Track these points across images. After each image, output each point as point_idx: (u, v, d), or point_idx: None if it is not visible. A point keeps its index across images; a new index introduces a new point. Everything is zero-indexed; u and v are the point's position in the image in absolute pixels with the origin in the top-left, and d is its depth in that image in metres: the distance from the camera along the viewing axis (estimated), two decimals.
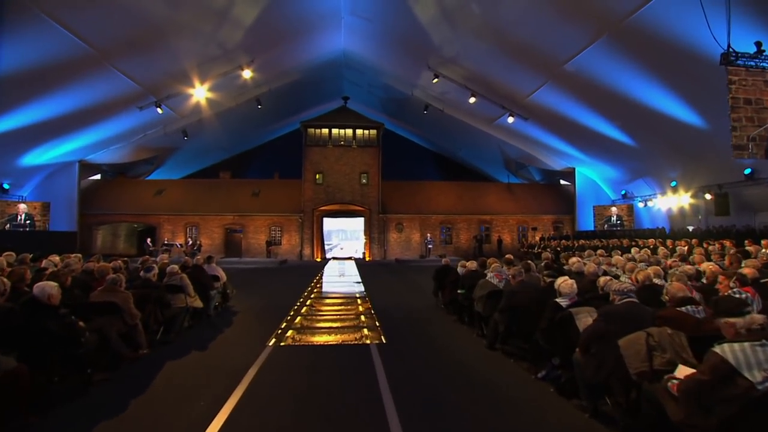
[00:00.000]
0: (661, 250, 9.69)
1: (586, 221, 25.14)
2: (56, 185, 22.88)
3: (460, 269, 7.91)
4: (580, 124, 19.94)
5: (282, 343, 6.29)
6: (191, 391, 4.27)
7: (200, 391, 4.23)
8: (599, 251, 9.35)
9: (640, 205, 22.66)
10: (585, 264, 6.31)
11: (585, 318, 4.06)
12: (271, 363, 5.22)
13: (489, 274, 6.31)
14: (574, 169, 25.01)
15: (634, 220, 22.87)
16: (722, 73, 13.43)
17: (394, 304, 9.72)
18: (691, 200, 19.93)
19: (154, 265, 5.96)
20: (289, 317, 8.21)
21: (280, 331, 7.04)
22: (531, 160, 26.34)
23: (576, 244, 18.62)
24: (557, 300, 4.36)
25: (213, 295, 7.92)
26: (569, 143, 22.41)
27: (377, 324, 7.58)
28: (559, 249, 19.03)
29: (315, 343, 6.44)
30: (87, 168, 24.13)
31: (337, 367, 5.17)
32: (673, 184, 20.36)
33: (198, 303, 6.72)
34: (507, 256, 8.81)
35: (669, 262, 6.87)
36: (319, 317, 8.52)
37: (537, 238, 24.63)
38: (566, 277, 4.46)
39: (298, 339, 6.85)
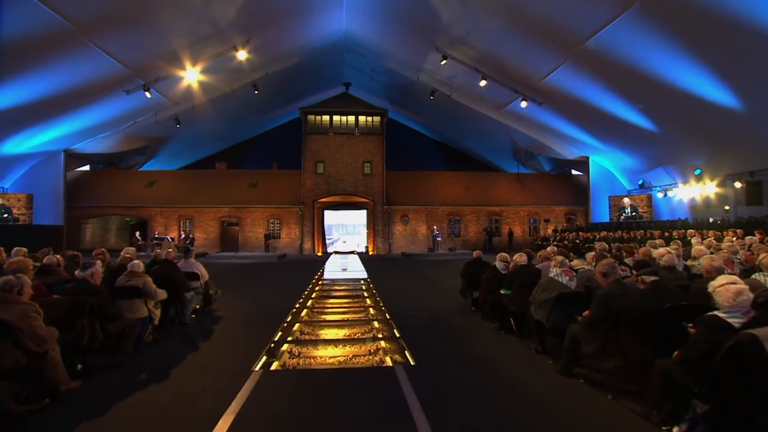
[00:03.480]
0: (727, 240, 7.95)
1: (601, 213, 23.43)
2: (41, 176, 21.01)
3: (499, 263, 6.15)
4: (598, 108, 18.20)
5: (274, 366, 4.53)
6: None
7: None
8: (658, 241, 7.59)
9: (659, 195, 20.93)
10: (679, 257, 4.57)
11: None
12: (253, 407, 3.44)
13: (554, 271, 4.55)
14: (587, 158, 23.25)
15: (653, 211, 21.12)
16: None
17: (412, 305, 7.96)
18: (718, 189, 18.22)
19: (96, 262, 4.17)
20: (285, 324, 6.45)
21: (273, 345, 5.28)
22: (542, 149, 24.53)
23: (597, 236, 16.87)
24: (719, 314, 2.61)
25: (190, 298, 6.15)
26: (584, 130, 20.65)
27: (397, 334, 5.82)
28: (578, 242, 17.30)
29: (318, 364, 4.68)
30: (74, 158, 22.23)
31: (352, 412, 3.42)
32: (698, 172, 18.62)
33: (156, 313, 4.93)
34: (549, 247, 7.07)
35: None
36: (322, 323, 6.77)
37: (550, 231, 22.90)
38: (732, 278, 2.68)
39: (296, 354, 5.12)
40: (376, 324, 6.62)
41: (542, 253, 5.80)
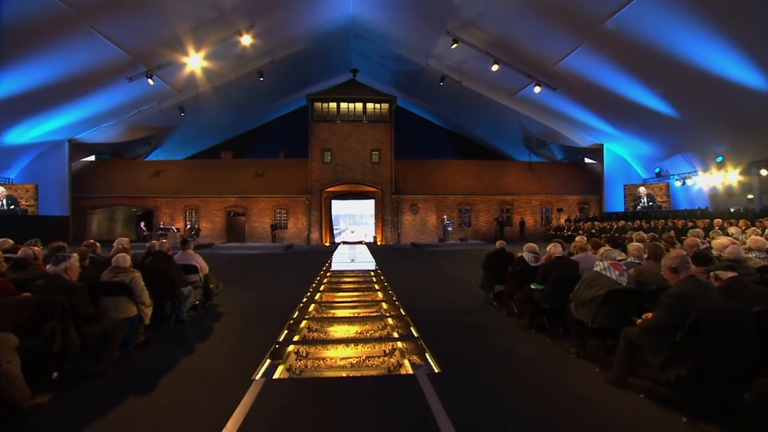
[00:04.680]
0: None
1: (615, 202, 22.58)
2: (45, 166, 20.61)
3: (527, 255, 5.50)
4: (615, 93, 17.34)
5: (278, 372, 3.93)
6: None
7: None
8: (698, 231, 6.87)
9: (677, 183, 20.05)
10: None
11: None
12: (253, 426, 2.84)
13: (601, 264, 3.89)
14: (602, 145, 22.35)
15: (670, 200, 20.25)
16: None
17: (428, 300, 7.34)
18: (741, 177, 17.34)
19: (71, 255, 3.56)
20: (292, 320, 5.86)
21: (277, 346, 4.69)
22: (554, 137, 23.65)
23: (614, 226, 16.10)
24: None
25: (187, 293, 5.57)
26: (600, 116, 19.77)
27: (415, 333, 5.21)
28: (594, 232, 16.55)
29: (328, 367, 4.10)
30: (79, 148, 21.78)
31: None
32: (719, 159, 17.73)
33: (147, 312, 4.35)
34: (578, 237, 6.39)
35: None
36: (331, 319, 6.18)
37: (563, 220, 22.12)
38: None
39: (303, 355, 4.56)
40: (390, 321, 6.01)
41: (576, 243, 5.14)
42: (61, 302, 3.18)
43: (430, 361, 4.23)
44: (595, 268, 3.96)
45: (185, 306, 5.52)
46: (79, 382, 3.46)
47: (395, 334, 5.42)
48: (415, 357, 4.54)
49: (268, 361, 4.29)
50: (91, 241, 5.32)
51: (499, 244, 6.52)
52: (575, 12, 14.23)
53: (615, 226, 15.90)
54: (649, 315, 3.21)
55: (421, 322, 5.64)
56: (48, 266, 3.47)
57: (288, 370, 4.20)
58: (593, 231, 16.30)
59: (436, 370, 3.93)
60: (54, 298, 3.19)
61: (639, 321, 3.26)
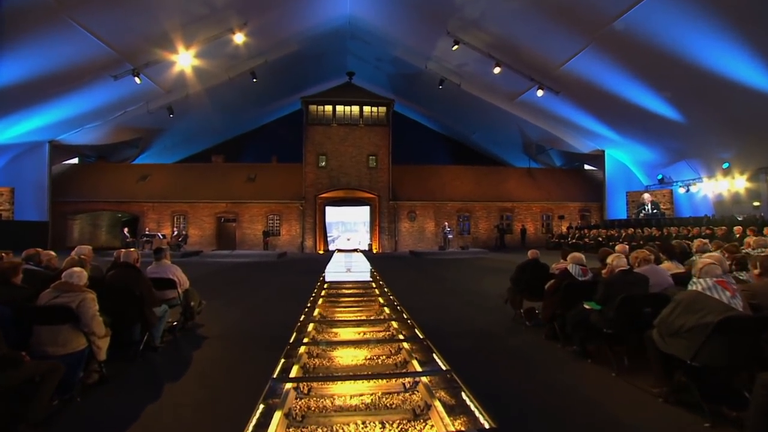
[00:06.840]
0: None
1: (617, 209, 21.85)
2: (23, 168, 19.26)
3: (574, 268, 4.50)
4: (619, 97, 16.68)
5: (273, 429, 2.87)
6: None
7: None
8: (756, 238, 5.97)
9: (681, 190, 19.38)
10: None
11: None
12: None
13: (702, 282, 2.91)
14: (603, 151, 21.67)
15: (674, 207, 19.56)
16: None
17: (446, 318, 6.30)
18: (748, 184, 16.70)
19: None
20: (288, 345, 4.77)
21: (269, 387, 3.61)
22: (554, 143, 22.94)
23: (623, 234, 15.27)
24: None
25: (161, 314, 4.47)
26: (602, 121, 19.10)
27: (443, 366, 4.15)
28: (601, 240, 15.72)
29: (338, 411, 3.06)
30: (60, 150, 20.47)
31: None
32: (725, 165, 17.10)
33: (101, 345, 3.27)
34: (619, 246, 5.47)
35: None
36: (334, 343, 5.10)
37: (564, 228, 21.29)
38: None
39: (305, 392, 3.49)
40: (405, 345, 4.96)
41: (637, 253, 4.16)
42: None
43: (473, 407, 3.18)
44: (692, 287, 2.99)
45: (158, 330, 4.41)
46: None
47: (415, 362, 4.36)
48: (443, 393, 3.51)
49: (261, 406, 3.22)
50: (36, 250, 4.21)
51: (531, 253, 5.52)
52: (582, 12, 13.57)
53: (624, 234, 15.08)
54: None
55: (445, 348, 4.55)
56: None
57: (287, 416, 3.15)
58: (600, 239, 15.46)
59: (487, 425, 2.88)
60: None
61: None
